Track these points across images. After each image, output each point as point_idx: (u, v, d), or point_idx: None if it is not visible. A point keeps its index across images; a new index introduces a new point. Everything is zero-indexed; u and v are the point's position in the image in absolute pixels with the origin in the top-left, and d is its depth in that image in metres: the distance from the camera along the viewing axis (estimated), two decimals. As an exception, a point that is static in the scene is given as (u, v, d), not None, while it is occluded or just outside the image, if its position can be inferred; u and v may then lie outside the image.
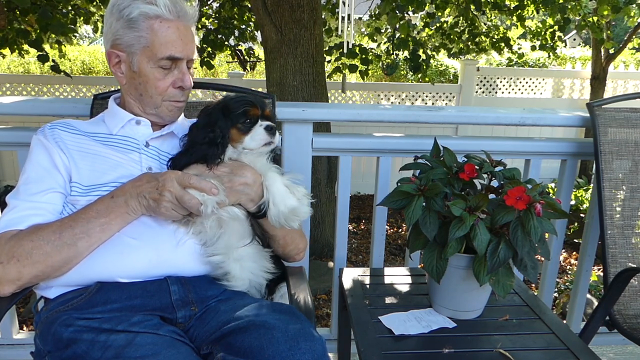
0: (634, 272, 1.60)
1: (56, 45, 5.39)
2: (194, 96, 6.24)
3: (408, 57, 4.55)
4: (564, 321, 2.19)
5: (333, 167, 3.58)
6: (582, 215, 4.80)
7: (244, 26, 5.99)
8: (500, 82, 7.50)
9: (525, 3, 5.35)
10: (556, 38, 5.90)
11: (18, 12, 4.24)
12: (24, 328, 2.74)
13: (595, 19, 5.42)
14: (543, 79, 7.59)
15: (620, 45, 6.30)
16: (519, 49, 6.50)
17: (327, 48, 4.72)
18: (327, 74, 4.27)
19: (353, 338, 1.27)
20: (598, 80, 6.55)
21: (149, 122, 1.30)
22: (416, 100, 7.15)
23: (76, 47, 10.38)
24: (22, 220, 1.13)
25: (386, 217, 1.94)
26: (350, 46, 4.72)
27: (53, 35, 4.86)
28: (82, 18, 4.98)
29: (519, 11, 5.47)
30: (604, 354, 2.11)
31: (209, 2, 5.93)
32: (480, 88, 7.41)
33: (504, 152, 1.86)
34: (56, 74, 4.31)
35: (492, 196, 1.26)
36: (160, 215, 1.13)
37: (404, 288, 1.52)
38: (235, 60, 7.65)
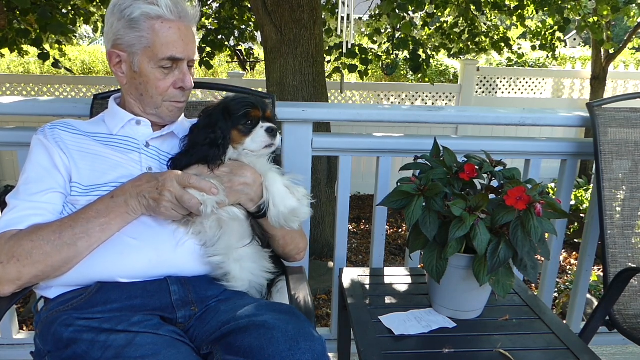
0: (634, 272, 1.60)
1: (56, 45, 5.39)
2: (194, 96, 6.24)
3: (408, 57, 4.55)
4: (564, 321, 2.19)
5: (333, 167, 3.58)
6: (582, 215, 4.80)
7: (244, 26, 5.99)
8: (500, 82, 7.50)
9: (525, 3, 5.36)
10: (555, 39, 5.90)
11: (18, 12, 4.24)
12: (24, 328, 2.74)
13: (596, 19, 5.42)
14: (543, 79, 7.59)
15: (620, 46, 6.30)
16: (519, 49, 6.49)
17: (327, 48, 4.72)
18: (327, 74, 4.27)
19: (353, 338, 1.27)
20: (598, 80, 6.55)
21: (149, 122, 1.30)
22: (416, 100, 7.15)
23: (76, 47, 10.38)
24: (22, 220, 1.13)
25: (386, 217, 1.94)
26: (350, 46, 4.72)
27: (53, 36, 4.86)
28: (82, 18, 4.98)
29: (519, 11, 5.47)
30: (604, 354, 2.11)
31: (209, 2, 5.93)
32: (480, 88, 7.41)
33: (504, 152, 1.86)
34: (57, 71, 4.31)
35: (492, 196, 1.26)
36: (160, 215, 1.13)
37: (404, 288, 1.52)
38: (235, 60, 7.65)
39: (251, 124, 1.20)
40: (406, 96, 7.13)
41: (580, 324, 2.11)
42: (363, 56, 4.36)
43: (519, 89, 7.58)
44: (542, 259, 1.39)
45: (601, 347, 2.13)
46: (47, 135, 1.23)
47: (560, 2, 4.84)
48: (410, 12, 4.62)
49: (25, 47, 4.89)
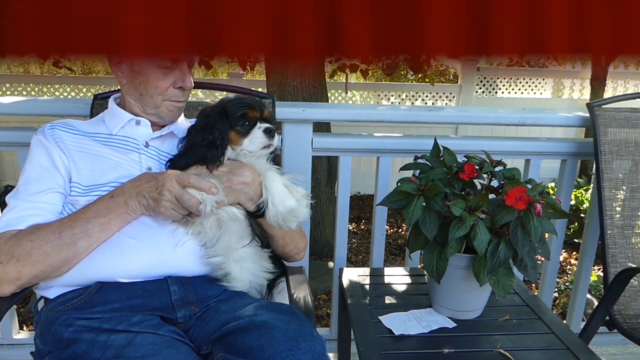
0: (634, 272, 1.60)
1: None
2: (194, 96, 6.23)
3: (408, 57, 4.55)
4: (564, 321, 2.19)
5: (333, 167, 3.58)
6: (582, 215, 4.80)
7: (244, 26, 5.98)
8: (500, 82, 7.49)
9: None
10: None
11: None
12: (24, 328, 2.74)
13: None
14: (543, 79, 7.58)
15: (621, 46, 6.30)
16: (520, 48, 6.48)
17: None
18: (327, 74, 4.27)
19: (353, 338, 1.27)
20: (598, 80, 6.55)
21: (148, 122, 1.30)
22: (416, 100, 7.14)
23: (76, 47, 10.36)
24: (21, 220, 1.13)
25: (386, 217, 1.94)
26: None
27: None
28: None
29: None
30: (604, 354, 2.11)
31: (209, 2, 5.92)
32: (480, 88, 7.40)
33: (504, 152, 1.85)
34: (57, 71, 4.31)
35: (492, 196, 1.26)
36: (159, 215, 1.13)
37: (404, 288, 1.52)
38: (235, 60, 7.64)
39: (249, 125, 1.20)
40: (406, 96, 7.12)
41: (580, 324, 2.11)
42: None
43: (519, 89, 7.57)
44: (542, 259, 1.39)
45: (601, 347, 2.13)
46: (46, 135, 1.23)
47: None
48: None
49: (25, 47, 4.89)
